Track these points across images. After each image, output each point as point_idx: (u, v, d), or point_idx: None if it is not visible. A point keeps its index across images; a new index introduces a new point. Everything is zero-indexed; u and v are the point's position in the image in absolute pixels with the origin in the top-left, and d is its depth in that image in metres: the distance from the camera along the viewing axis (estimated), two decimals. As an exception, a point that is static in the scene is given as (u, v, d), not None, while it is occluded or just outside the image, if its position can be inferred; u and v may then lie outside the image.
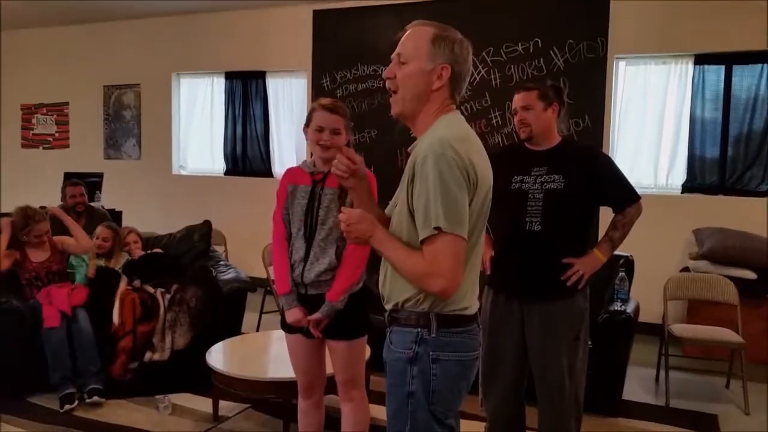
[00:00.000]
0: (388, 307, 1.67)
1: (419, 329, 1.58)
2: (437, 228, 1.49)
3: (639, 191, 2.73)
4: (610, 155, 3.70)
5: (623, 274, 3.75)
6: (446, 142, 1.51)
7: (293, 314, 2.40)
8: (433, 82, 1.60)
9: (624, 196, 2.71)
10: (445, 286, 1.50)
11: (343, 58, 6.35)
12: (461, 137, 1.56)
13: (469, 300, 1.61)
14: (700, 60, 5.22)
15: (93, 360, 3.69)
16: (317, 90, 6.45)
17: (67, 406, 3.49)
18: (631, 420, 3.48)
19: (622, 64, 5.46)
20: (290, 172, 2.53)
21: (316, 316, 2.35)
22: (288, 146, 6.85)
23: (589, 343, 2.88)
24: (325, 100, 2.44)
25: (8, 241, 3.92)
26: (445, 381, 1.57)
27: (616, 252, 2.83)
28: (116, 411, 3.52)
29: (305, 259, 2.39)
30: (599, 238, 2.78)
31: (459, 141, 1.54)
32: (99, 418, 3.42)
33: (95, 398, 3.56)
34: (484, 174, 1.58)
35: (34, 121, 8.51)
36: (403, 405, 1.59)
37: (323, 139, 2.36)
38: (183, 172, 7.50)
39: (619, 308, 3.59)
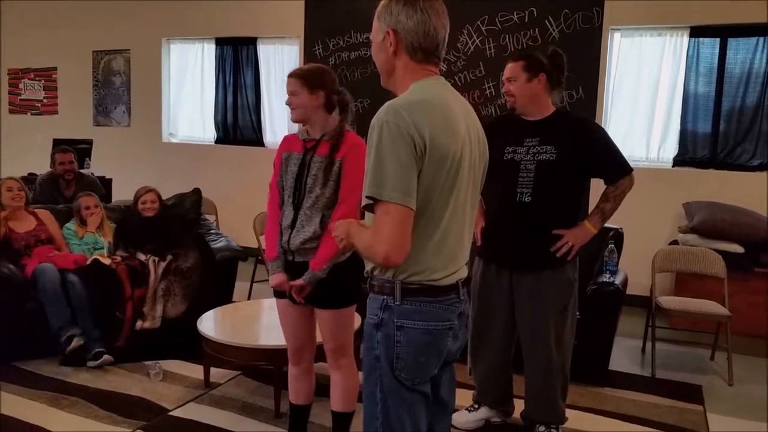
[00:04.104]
0: (365, 274, 1.68)
1: (385, 296, 1.59)
2: (370, 197, 1.49)
3: (631, 163, 2.73)
4: (603, 127, 3.70)
5: (612, 246, 3.78)
6: (392, 108, 1.50)
7: (276, 278, 2.45)
8: (387, 50, 1.62)
9: (616, 168, 2.71)
10: (386, 254, 1.48)
11: (336, 25, 6.26)
12: (414, 102, 1.53)
13: (441, 271, 1.59)
14: (696, 32, 5.18)
15: (92, 326, 3.72)
16: (309, 57, 6.36)
17: (69, 348, 3.59)
18: (618, 390, 3.54)
19: (617, 35, 5.41)
20: (286, 140, 2.55)
21: (298, 282, 2.38)
22: (279, 115, 6.78)
23: (578, 313, 2.91)
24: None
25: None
26: (410, 348, 1.58)
27: (606, 224, 2.85)
28: (107, 377, 3.53)
29: (292, 226, 2.42)
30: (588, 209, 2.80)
31: (409, 106, 1.50)
32: (90, 384, 3.44)
33: (105, 357, 3.62)
34: (440, 141, 1.51)
35: (21, 86, 8.38)
36: (372, 368, 1.62)
37: (288, 101, 2.44)
38: (173, 140, 7.42)
39: (607, 280, 3.63)
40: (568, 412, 2.92)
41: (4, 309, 3.65)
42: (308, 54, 6.40)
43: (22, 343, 3.72)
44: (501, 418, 3.04)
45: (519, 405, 2.96)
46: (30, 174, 6.11)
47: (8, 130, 8.51)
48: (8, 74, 8.41)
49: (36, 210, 4.19)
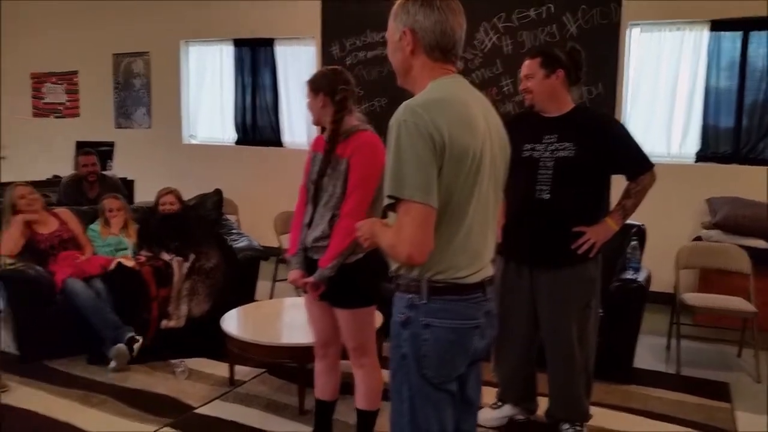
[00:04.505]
0: (391, 273, 1.70)
1: (411, 295, 1.60)
2: (392, 197, 1.50)
3: (652, 160, 2.72)
4: (623, 123, 3.68)
5: (635, 242, 3.75)
6: (409, 108, 1.50)
7: (292, 275, 2.53)
8: (404, 49, 1.63)
9: (637, 164, 2.70)
10: (408, 254, 1.49)
11: (353, 25, 6.28)
12: (432, 100, 1.53)
13: (466, 269, 1.59)
14: (716, 26, 5.12)
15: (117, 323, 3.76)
16: (326, 58, 6.39)
17: (136, 345, 3.64)
18: (643, 387, 3.52)
19: (636, 30, 5.37)
20: (315, 141, 2.61)
21: (309, 279, 2.42)
22: (297, 115, 6.82)
23: (601, 311, 2.90)
24: None
25: (20, 230, 3.95)
26: (437, 347, 1.58)
27: (629, 220, 2.83)
28: (133, 375, 3.59)
29: (309, 224, 2.48)
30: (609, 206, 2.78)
31: (427, 105, 1.51)
32: (117, 382, 3.49)
33: (137, 338, 3.66)
34: (459, 138, 1.51)
35: (44, 89, 8.51)
36: (399, 366, 1.63)
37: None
38: (193, 141, 7.50)
39: (630, 277, 3.61)
40: (593, 410, 2.91)
41: (32, 309, 3.72)
42: (325, 54, 6.43)
43: (51, 342, 3.78)
44: (524, 415, 3.04)
45: (543, 403, 2.96)
46: (54, 176, 6.21)
47: (33, 133, 8.65)
48: (31, 78, 8.55)
49: (56, 210, 4.26)
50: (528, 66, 2.71)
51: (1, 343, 3.97)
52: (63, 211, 4.25)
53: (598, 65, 5.19)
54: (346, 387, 2.76)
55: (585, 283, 2.73)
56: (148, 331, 3.81)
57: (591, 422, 2.90)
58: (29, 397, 3.29)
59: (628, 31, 5.31)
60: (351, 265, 2.39)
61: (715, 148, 5.25)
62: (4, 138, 9.07)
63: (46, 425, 3.01)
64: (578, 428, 2.82)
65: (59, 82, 8.34)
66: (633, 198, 2.71)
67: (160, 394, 3.35)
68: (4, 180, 6.23)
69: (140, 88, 7.64)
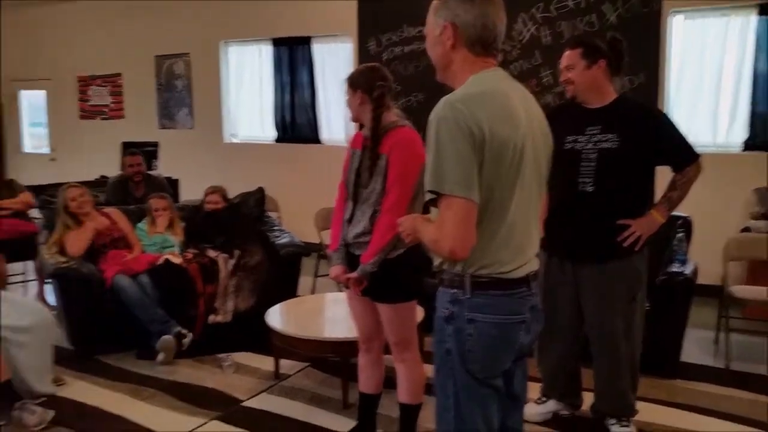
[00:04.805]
0: (434, 268, 1.70)
1: (455, 290, 1.60)
2: (433, 192, 1.50)
3: (697, 150, 2.66)
4: (666, 113, 3.59)
5: (682, 234, 3.68)
6: (449, 103, 1.51)
7: (334, 270, 2.56)
8: (444, 44, 1.63)
9: (683, 155, 2.64)
10: (451, 248, 1.49)
11: (389, 21, 6.28)
12: (472, 95, 1.53)
13: (510, 264, 1.59)
14: (765, 10, 4.95)
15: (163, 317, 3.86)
16: (363, 54, 6.42)
17: (186, 340, 3.75)
18: (690, 382, 3.45)
19: (678, 17, 5.24)
20: (354, 138, 2.63)
21: (352, 275, 2.45)
22: (335, 112, 6.87)
23: (647, 305, 2.86)
24: None
25: (90, 236, 4.08)
26: (481, 342, 1.58)
27: (674, 212, 2.78)
28: (181, 370, 3.69)
29: (350, 220, 2.51)
30: (654, 198, 2.74)
31: (466, 99, 1.51)
32: (166, 376, 3.59)
33: (187, 334, 3.76)
34: (500, 132, 1.50)
35: (90, 92, 8.77)
36: (443, 361, 1.64)
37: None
38: (235, 140, 7.63)
39: (677, 269, 3.54)
40: (639, 405, 2.87)
41: (85, 306, 3.86)
42: (361, 51, 6.45)
43: (103, 338, 3.91)
44: (569, 411, 3.02)
45: (588, 398, 2.94)
46: (102, 176, 6.40)
47: (80, 134, 8.93)
48: (78, 81, 8.82)
49: (107, 210, 4.39)
50: (569, 57, 2.68)
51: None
52: (113, 211, 4.38)
53: (640, 54, 5.08)
54: (389, 381, 2.79)
55: (631, 276, 2.69)
56: (196, 326, 3.90)
57: (637, 417, 2.86)
58: (84, 390, 3.41)
59: (670, 19, 5.18)
60: (392, 260, 2.41)
61: (763, 136, 5.08)
62: (53, 141, 9.41)
63: (100, 417, 3.12)
64: (624, 423, 2.79)
65: (104, 84, 8.58)
66: (678, 190, 2.66)
67: (208, 388, 3.44)
68: (54, 181, 6.46)
69: (182, 89, 7.80)
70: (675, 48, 5.27)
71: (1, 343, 2.96)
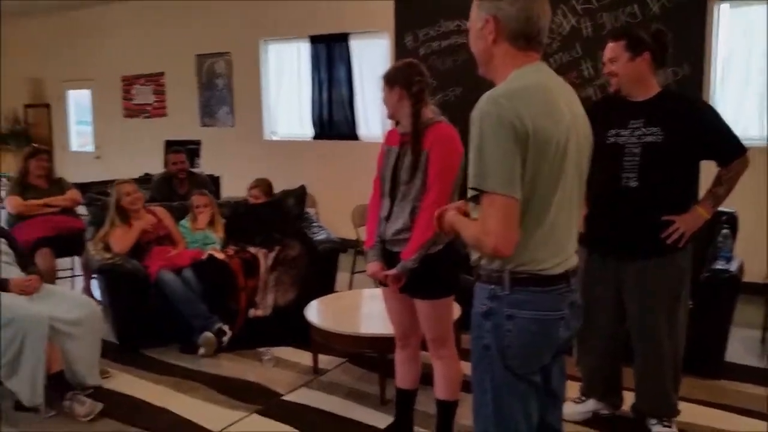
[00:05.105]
0: (472, 264, 1.70)
1: (493, 286, 1.60)
2: (475, 188, 1.49)
3: (744, 143, 2.59)
4: (712, 105, 3.50)
5: (727, 230, 3.58)
6: (491, 98, 1.50)
7: (371, 267, 2.56)
8: (486, 38, 1.62)
9: (729, 149, 2.58)
10: (495, 246, 1.49)
11: (426, 15, 6.26)
12: (514, 90, 1.52)
13: (549, 261, 1.58)
14: (817, -3, 4.78)
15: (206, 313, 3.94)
16: (400, 49, 6.42)
17: (225, 337, 3.83)
18: (734, 382, 3.37)
19: (724, 6, 5.08)
20: (388, 135, 2.63)
21: (391, 271, 2.45)
22: (372, 108, 6.89)
23: (690, 302, 2.80)
24: None
25: (137, 235, 4.18)
26: (520, 337, 1.58)
27: (720, 207, 2.71)
28: (223, 363, 3.76)
29: (388, 217, 2.51)
30: (699, 193, 2.67)
31: (509, 94, 1.50)
32: (208, 369, 3.67)
33: (228, 331, 3.84)
34: (543, 129, 1.49)
35: (133, 91, 8.98)
36: (481, 357, 1.64)
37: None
38: (274, 138, 7.72)
39: (722, 267, 3.45)
40: (681, 405, 2.81)
41: (129, 301, 3.97)
42: (398, 46, 6.45)
43: (146, 332, 4.01)
44: (609, 410, 2.97)
45: (628, 397, 2.89)
46: (146, 174, 6.54)
47: (124, 133, 9.16)
48: (122, 81, 9.05)
49: (152, 208, 4.49)
50: (612, 49, 2.62)
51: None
52: (159, 209, 4.49)
53: (684, 45, 4.95)
54: (426, 378, 2.79)
55: (674, 274, 2.64)
56: (237, 320, 3.97)
57: (679, 418, 2.80)
58: (128, 383, 3.51)
59: (716, 7, 5.04)
60: (432, 256, 2.41)
61: (816, 128, 4.91)
62: (98, 139, 9.69)
63: (144, 410, 3.21)
64: (666, 424, 2.74)
65: (147, 83, 8.78)
66: (724, 185, 2.59)
67: (249, 381, 3.50)
68: (98, 179, 6.65)
69: (223, 88, 7.93)
70: (721, 38, 5.12)
71: (53, 335, 3.07)
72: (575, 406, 2.97)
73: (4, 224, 4.51)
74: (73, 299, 3.44)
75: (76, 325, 3.19)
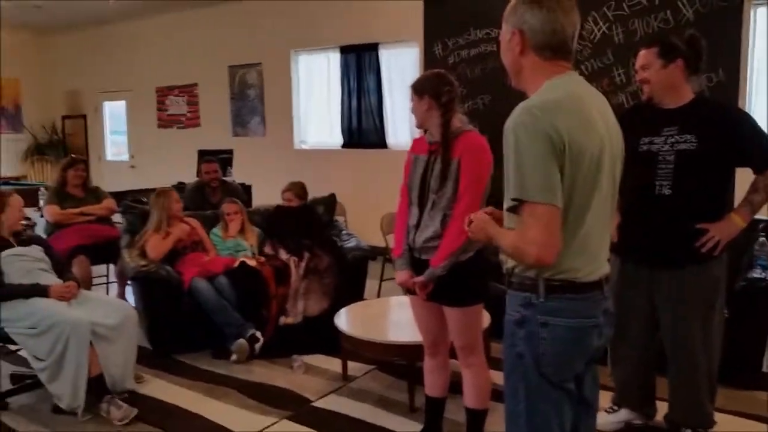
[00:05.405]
0: (504, 271, 1.70)
1: (527, 293, 1.60)
2: (516, 199, 1.50)
3: (782, 151, 2.53)
4: (747, 112, 3.43)
5: (763, 239, 3.51)
6: (525, 109, 1.51)
7: (400, 276, 2.56)
8: (513, 50, 1.64)
9: (765, 156, 2.52)
10: (537, 255, 1.49)
11: (455, 24, 6.28)
12: (548, 101, 1.53)
13: (584, 270, 1.58)
14: None
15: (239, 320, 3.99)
16: (429, 58, 6.44)
17: (258, 345, 3.88)
18: (772, 393, 3.29)
19: (760, 10, 4.99)
20: (415, 143, 2.64)
21: (420, 279, 2.45)
22: (401, 117, 6.91)
23: (726, 312, 2.74)
24: None
25: (172, 243, 4.27)
26: (555, 345, 1.57)
27: (756, 215, 2.66)
28: (254, 369, 3.80)
29: (417, 225, 2.51)
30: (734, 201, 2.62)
31: (543, 105, 1.51)
32: (240, 375, 3.71)
33: (260, 338, 3.89)
34: (579, 139, 1.50)
35: (167, 102, 9.17)
36: (514, 365, 1.63)
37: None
38: (304, 147, 7.80)
39: (758, 275, 3.38)
40: (717, 416, 2.76)
41: (163, 308, 4.04)
42: (427, 55, 6.47)
43: (180, 338, 4.08)
44: (642, 420, 2.93)
45: (662, 407, 2.84)
46: (179, 183, 6.66)
47: (157, 142, 9.35)
48: (156, 92, 9.25)
49: (186, 218, 4.58)
50: (644, 56, 2.60)
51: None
52: (191, 220, 4.57)
53: (719, 51, 4.87)
54: (455, 386, 2.79)
55: (709, 283, 2.59)
56: (268, 327, 4.02)
57: (714, 429, 2.74)
58: (162, 388, 3.57)
59: (752, 12, 4.95)
60: (462, 264, 2.42)
61: None
62: (132, 148, 9.90)
63: (178, 415, 3.26)
64: (701, 435, 2.69)
65: (181, 94, 8.96)
66: (761, 192, 2.54)
67: (280, 388, 3.54)
68: (133, 187, 6.79)
69: (254, 98, 8.05)
70: (756, 43, 5.03)
71: (93, 339, 3.14)
72: (608, 416, 2.93)
73: (42, 233, 4.66)
74: (109, 304, 3.53)
75: (114, 330, 3.26)
